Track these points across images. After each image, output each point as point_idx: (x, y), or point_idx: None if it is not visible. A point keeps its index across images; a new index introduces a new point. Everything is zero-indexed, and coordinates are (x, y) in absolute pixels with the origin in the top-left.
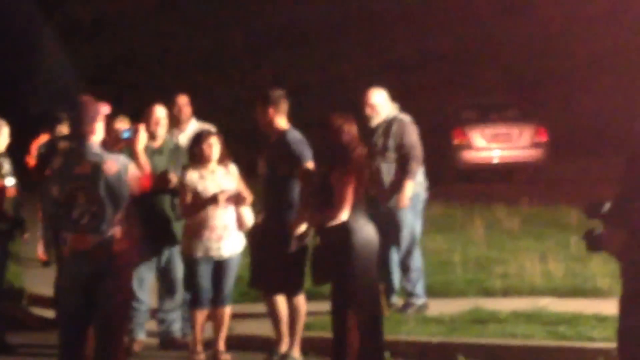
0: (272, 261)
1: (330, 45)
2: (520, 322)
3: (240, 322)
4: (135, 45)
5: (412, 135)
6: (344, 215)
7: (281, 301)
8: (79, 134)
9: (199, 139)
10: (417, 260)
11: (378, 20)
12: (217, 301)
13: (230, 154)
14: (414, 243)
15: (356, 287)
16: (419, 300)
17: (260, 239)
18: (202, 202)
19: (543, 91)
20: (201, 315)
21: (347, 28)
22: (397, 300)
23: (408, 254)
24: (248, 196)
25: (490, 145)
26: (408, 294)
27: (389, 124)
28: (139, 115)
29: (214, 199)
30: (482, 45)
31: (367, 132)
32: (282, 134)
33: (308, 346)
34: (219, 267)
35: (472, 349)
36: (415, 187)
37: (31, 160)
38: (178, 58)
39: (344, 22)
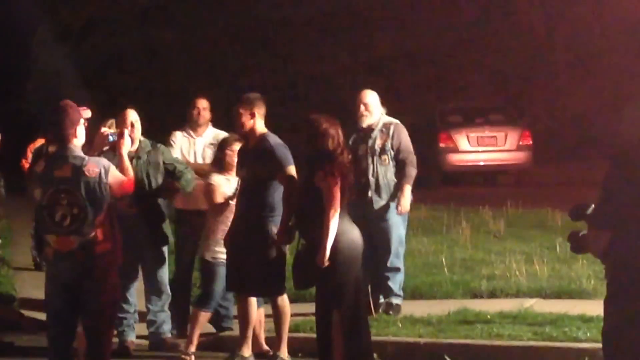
0: (253, 264)
1: (315, 46)
2: (507, 323)
3: None
4: (124, 50)
5: (408, 139)
6: (335, 215)
7: (253, 305)
8: (61, 138)
9: (223, 145)
10: (402, 262)
11: (363, 22)
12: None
13: None
14: (402, 244)
15: (341, 289)
16: (399, 300)
17: (239, 242)
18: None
19: (528, 95)
20: (204, 317)
21: (331, 30)
22: (383, 301)
23: (397, 255)
24: None
25: (476, 148)
26: (390, 294)
27: (386, 126)
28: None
29: None
30: (467, 49)
31: (358, 131)
32: (261, 137)
33: (296, 347)
34: None
35: (459, 349)
36: None
37: (27, 163)
38: (166, 62)
39: (329, 24)
